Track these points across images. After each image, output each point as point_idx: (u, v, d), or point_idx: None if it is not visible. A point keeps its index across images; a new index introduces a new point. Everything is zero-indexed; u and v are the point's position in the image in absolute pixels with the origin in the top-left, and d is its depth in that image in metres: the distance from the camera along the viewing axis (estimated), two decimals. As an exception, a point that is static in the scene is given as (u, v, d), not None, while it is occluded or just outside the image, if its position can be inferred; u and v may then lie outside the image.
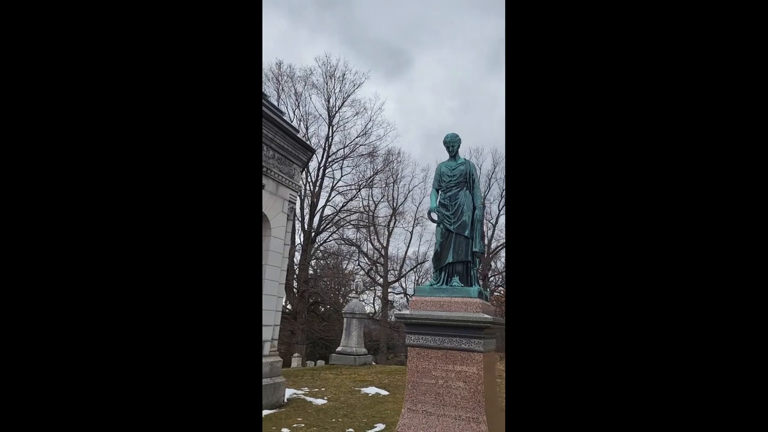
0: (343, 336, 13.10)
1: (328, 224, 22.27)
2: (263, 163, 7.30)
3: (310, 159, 9.05)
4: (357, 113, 23.05)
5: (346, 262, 25.45)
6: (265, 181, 7.39)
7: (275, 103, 21.62)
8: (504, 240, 19.98)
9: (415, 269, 26.75)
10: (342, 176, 22.77)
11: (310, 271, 21.99)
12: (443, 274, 3.88)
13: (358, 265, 25.51)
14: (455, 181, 4.02)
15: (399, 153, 26.52)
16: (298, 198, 21.43)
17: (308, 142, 21.36)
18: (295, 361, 16.50)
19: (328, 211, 22.42)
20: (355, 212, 23.61)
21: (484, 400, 3.27)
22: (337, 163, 22.57)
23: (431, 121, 45.59)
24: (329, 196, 22.25)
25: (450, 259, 3.84)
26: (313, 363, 16.99)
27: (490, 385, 3.52)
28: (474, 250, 3.84)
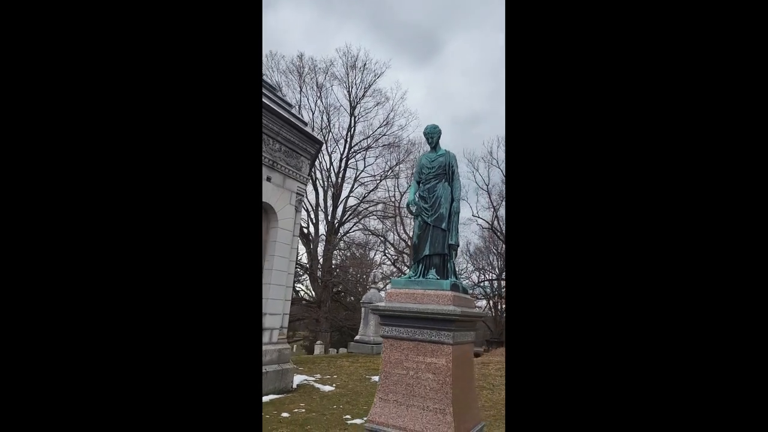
0: (361, 325, 13.32)
1: (350, 215, 22.51)
2: (270, 156, 7.47)
3: (318, 151, 9.16)
4: (378, 103, 23.00)
5: (373, 252, 25.70)
6: (272, 173, 7.57)
7: (297, 97, 21.78)
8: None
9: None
10: (365, 167, 22.89)
11: (334, 262, 22.36)
12: (421, 266, 3.88)
13: (384, 255, 25.71)
14: (434, 173, 3.98)
15: (425, 143, 26.31)
16: (322, 189, 21.82)
17: (330, 134, 21.60)
18: (318, 349, 16.94)
19: (351, 201, 22.66)
20: (379, 202, 23.71)
21: (452, 392, 3.27)
22: (360, 154, 22.70)
23: (462, 106, 44.71)
24: (352, 187, 22.45)
25: (427, 252, 3.83)
26: (336, 351, 17.39)
27: (462, 378, 3.51)
28: (450, 242, 3.81)
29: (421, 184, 4.06)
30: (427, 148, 4.24)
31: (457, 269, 4.02)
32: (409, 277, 3.88)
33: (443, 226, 3.82)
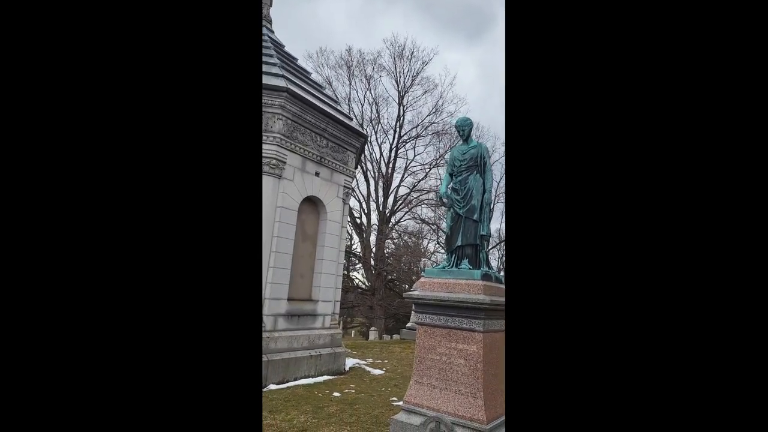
0: (413, 312, 13.59)
1: (401, 204, 22.75)
2: (317, 152, 7.86)
3: (364, 144, 9.43)
4: (426, 91, 22.83)
5: (426, 240, 25.83)
6: (320, 168, 7.97)
7: (347, 90, 22.20)
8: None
9: (498, 246, 26.19)
10: (415, 156, 22.95)
11: (387, 250, 22.79)
12: (454, 256, 4.00)
13: (438, 243, 25.73)
14: (466, 165, 4.05)
15: (477, 127, 25.72)
16: (373, 180, 22.22)
17: (379, 125, 21.81)
18: (372, 335, 17.52)
19: (402, 191, 22.87)
20: (430, 191, 23.69)
21: (483, 378, 3.40)
22: (409, 143, 22.76)
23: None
24: (402, 176, 22.62)
25: (459, 242, 3.94)
26: (390, 337, 17.87)
27: (494, 365, 3.62)
28: (481, 233, 3.88)
29: (453, 176, 4.15)
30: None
31: (490, 259, 4.09)
32: (443, 267, 4.02)
33: (475, 217, 3.90)
